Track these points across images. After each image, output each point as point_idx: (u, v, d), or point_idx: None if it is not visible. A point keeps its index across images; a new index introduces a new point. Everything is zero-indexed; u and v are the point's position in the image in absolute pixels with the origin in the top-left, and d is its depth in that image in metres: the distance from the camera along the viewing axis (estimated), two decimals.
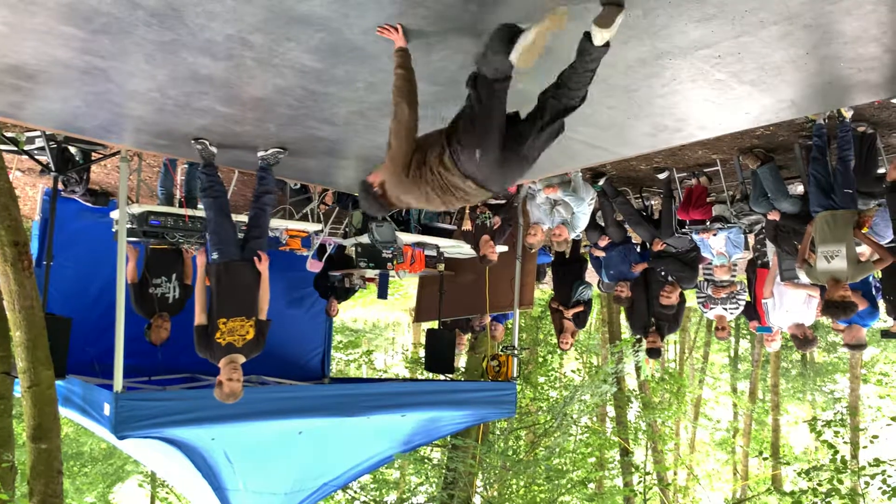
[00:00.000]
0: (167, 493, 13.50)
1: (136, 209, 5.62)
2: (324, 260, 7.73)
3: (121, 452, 14.54)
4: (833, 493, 6.81)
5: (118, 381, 5.11)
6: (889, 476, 6.53)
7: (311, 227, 6.91)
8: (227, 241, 5.04)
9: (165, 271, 6.41)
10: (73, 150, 6.29)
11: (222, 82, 3.82)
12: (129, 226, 5.56)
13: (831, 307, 4.93)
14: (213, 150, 4.94)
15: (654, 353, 7.51)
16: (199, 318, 4.89)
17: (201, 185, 5.17)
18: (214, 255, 5.00)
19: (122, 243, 5.36)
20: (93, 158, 6.52)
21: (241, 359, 4.91)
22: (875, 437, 7.54)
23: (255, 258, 5.07)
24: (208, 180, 5.11)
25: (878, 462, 6.59)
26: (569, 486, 11.96)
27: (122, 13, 3.06)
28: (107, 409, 5.18)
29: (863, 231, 5.03)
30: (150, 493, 15.72)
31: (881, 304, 6.04)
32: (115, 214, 5.81)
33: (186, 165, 6.54)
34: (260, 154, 5.15)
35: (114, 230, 5.91)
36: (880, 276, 6.13)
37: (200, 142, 4.85)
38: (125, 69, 3.65)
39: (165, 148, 5.13)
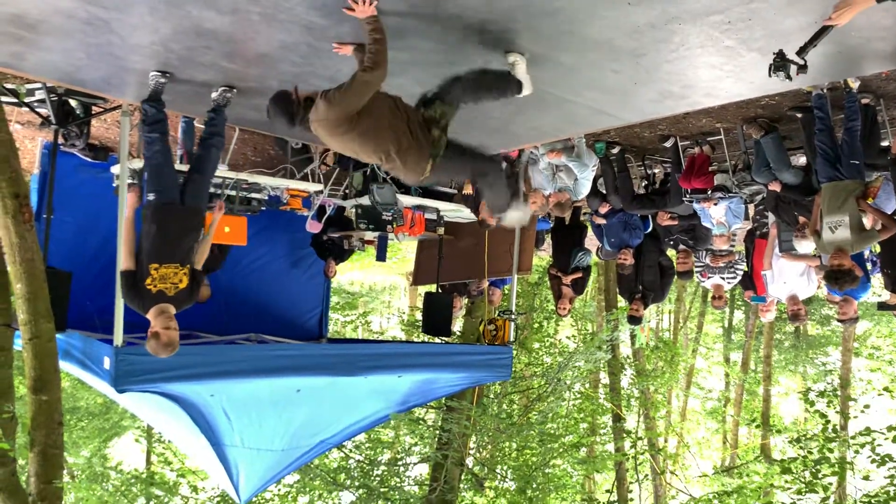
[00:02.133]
0: (164, 448, 13.65)
1: (137, 164, 5.60)
2: (323, 221, 7.73)
3: (117, 407, 14.66)
4: (822, 462, 6.92)
5: (118, 336, 5.13)
6: (879, 445, 6.62)
7: (312, 187, 6.89)
8: (167, 182, 4.67)
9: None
10: (73, 103, 6.22)
11: (227, 37, 3.78)
12: (129, 181, 5.54)
13: (830, 276, 4.97)
14: (164, 80, 4.50)
15: (634, 320, 7.65)
16: (126, 262, 4.48)
17: (147, 117, 4.66)
18: (150, 196, 4.64)
19: (123, 198, 5.33)
20: (94, 112, 6.47)
21: (173, 309, 4.50)
22: (867, 406, 7.63)
23: (210, 208, 4.76)
24: (157, 115, 4.64)
25: (868, 431, 6.68)
26: (561, 450, 12.13)
27: None
28: (107, 363, 5.21)
29: (868, 202, 5.04)
30: (146, 448, 15.92)
31: (879, 277, 6.08)
32: (115, 169, 5.78)
33: (183, 121, 6.46)
34: (213, 95, 4.83)
35: (114, 185, 5.89)
36: (878, 249, 6.16)
37: (166, 75, 4.43)
38: (129, 21, 3.61)
39: (167, 103, 5.08)
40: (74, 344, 5.98)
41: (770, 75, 3.11)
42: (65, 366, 6.23)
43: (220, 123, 4.98)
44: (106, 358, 5.24)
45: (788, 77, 3.09)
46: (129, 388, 5.25)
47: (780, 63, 3.07)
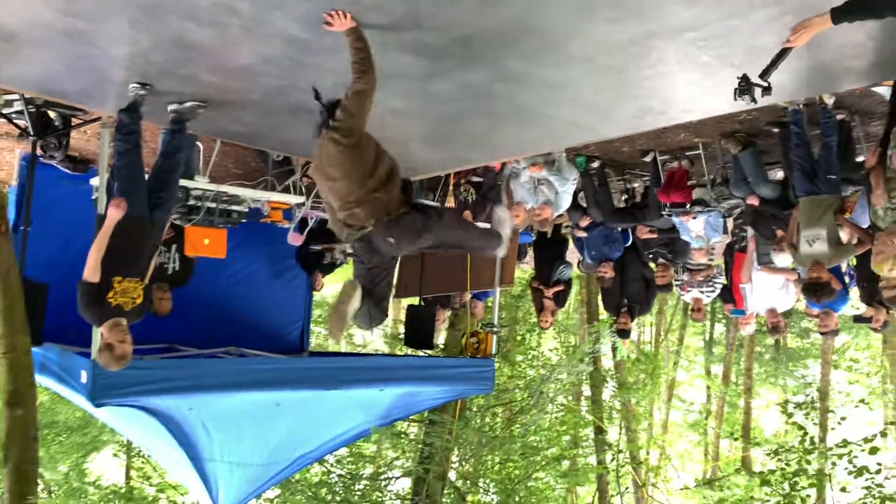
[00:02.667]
0: (143, 463, 13.49)
1: None
2: (305, 233, 7.69)
3: (96, 422, 14.46)
4: (800, 473, 6.96)
5: (96, 349, 5.07)
6: (855, 457, 6.68)
7: (294, 199, 6.87)
8: (136, 196, 4.60)
9: (166, 241, 6.22)
10: (52, 114, 6.17)
11: (208, 49, 3.77)
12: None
13: (808, 288, 5.04)
14: (144, 92, 4.47)
15: (623, 333, 7.69)
16: (93, 274, 4.34)
17: (121, 126, 4.61)
18: None
19: (102, 210, 5.28)
20: (73, 124, 6.42)
21: (125, 323, 4.45)
22: (843, 418, 7.71)
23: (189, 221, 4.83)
24: (131, 125, 4.57)
25: (845, 443, 6.74)
26: (543, 462, 12.11)
27: None
28: (84, 377, 5.13)
29: (845, 216, 5.11)
30: (125, 463, 15.72)
31: (854, 290, 6.16)
32: (95, 181, 5.73)
33: (163, 133, 6.42)
34: (173, 107, 4.73)
35: (94, 198, 5.84)
36: (854, 263, 6.24)
37: (146, 87, 4.39)
38: (108, 32, 3.59)
39: (147, 115, 5.05)
40: (51, 357, 5.90)
41: (735, 99, 3.16)
42: (41, 380, 6.13)
43: (183, 139, 4.99)
44: (83, 371, 5.16)
45: (753, 100, 3.14)
46: (107, 402, 5.17)
47: (744, 87, 3.12)
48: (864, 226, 5.35)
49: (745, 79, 3.12)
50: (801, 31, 2.86)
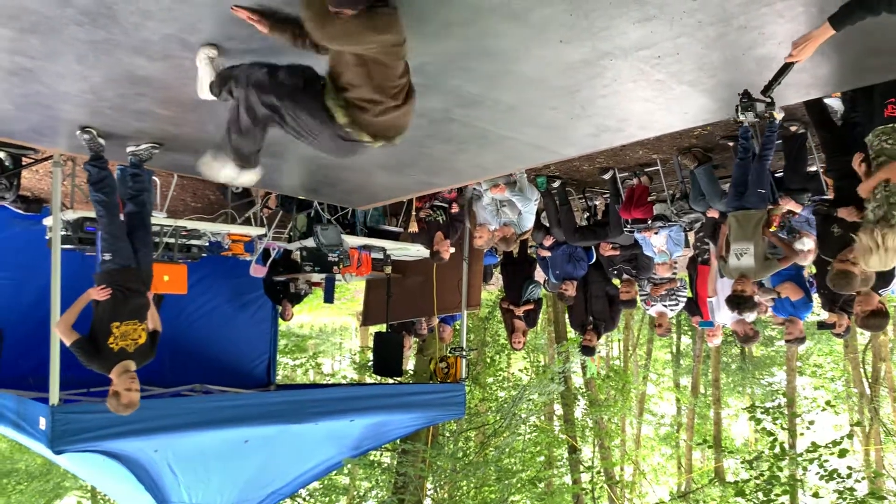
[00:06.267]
0: None
1: (71, 215, 5.43)
2: (268, 264, 7.61)
3: (59, 468, 14.05)
4: (773, 480, 7.01)
5: (54, 394, 4.93)
6: (825, 461, 6.75)
7: (255, 231, 6.79)
8: (121, 249, 4.72)
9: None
10: (2, 154, 6.04)
11: (160, 84, 3.72)
12: (63, 232, 5.37)
13: (731, 301, 5.19)
14: (101, 141, 4.57)
15: (587, 350, 7.69)
16: (67, 338, 4.47)
17: (91, 177, 4.67)
18: (107, 257, 4.67)
19: (57, 251, 5.16)
20: (24, 163, 6.28)
21: (134, 366, 4.63)
22: (811, 422, 7.80)
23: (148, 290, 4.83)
24: (99, 174, 4.66)
25: (815, 447, 6.80)
26: (519, 485, 12.04)
27: (52, 11, 2.95)
28: (42, 424, 4.99)
29: (771, 229, 5.24)
30: None
31: (815, 297, 6.25)
32: (48, 221, 5.60)
33: (118, 169, 6.33)
34: (130, 149, 4.77)
35: (47, 238, 5.70)
36: (814, 271, 6.35)
37: (87, 131, 4.44)
38: (56, 70, 3.52)
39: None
40: (7, 405, 5.73)
41: (738, 116, 3.17)
42: None
43: (146, 180, 5.06)
44: (41, 418, 5.01)
45: (757, 116, 3.17)
46: (68, 449, 5.02)
47: (746, 103, 3.14)
48: (813, 232, 5.47)
49: (746, 94, 3.14)
50: (803, 44, 2.89)
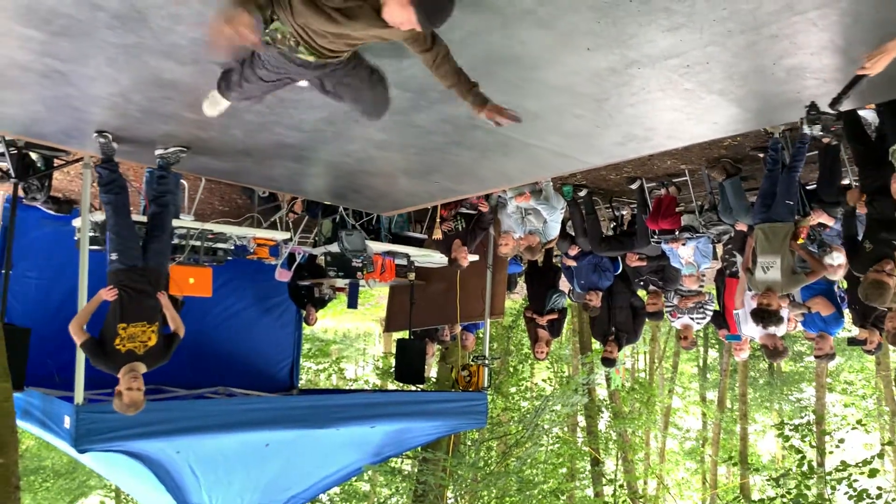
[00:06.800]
0: None
1: (100, 217, 5.49)
2: (293, 269, 7.64)
3: (84, 467, 14.21)
4: (800, 499, 6.86)
5: (79, 393, 4.97)
6: (855, 480, 6.59)
7: (280, 235, 6.82)
8: (128, 247, 4.74)
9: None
10: (34, 156, 6.13)
11: (188, 87, 3.75)
12: (91, 234, 5.43)
13: (756, 314, 5.07)
14: (115, 145, 4.65)
15: (608, 362, 7.59)
16: (78, 337, 4.54)
17: (101, 179, 4.76)
18: (114, 257, 4.71)
19: (85, 252, 5.23)
20: (55, 165, 6.37)
21: (143, 368, 4.60)
22: (842, 440, 7.62)
23: (172, 260, 4.88)
24: (110, 176, 4.73)
25: (844, 466, 6.64)
26: (540, 496, 11.93)
27: (83, 15, 2.98)
28: (67, 422, 5.04)
29: (798, 242, 5.14)
30: None
31: (846, 313, 6.12)
32: (77, 222, 5.68)
33: (146, 172, 6.40)
34: (158, 152, 4.85)
35: (76, 238, 5.78)
36: (846, 285, 6.22)
37: (104, 135, 4.51)
38: (86, 73, 3.57)
39: (130, 155, 5.02)
40: (34, 403, 5.79)
41: (803, 128, 3.09)
42: (24, 425, 6.02)
43: (171, 182, 5.13)
44: (66, 417, 5.07)
45: (824, 129, 3.12)
46: (91, 448, 5.07)
47: (813, 116, 3.09)
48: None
49: (813, 107, 3.08)
50: (878, 56, 2.84)
